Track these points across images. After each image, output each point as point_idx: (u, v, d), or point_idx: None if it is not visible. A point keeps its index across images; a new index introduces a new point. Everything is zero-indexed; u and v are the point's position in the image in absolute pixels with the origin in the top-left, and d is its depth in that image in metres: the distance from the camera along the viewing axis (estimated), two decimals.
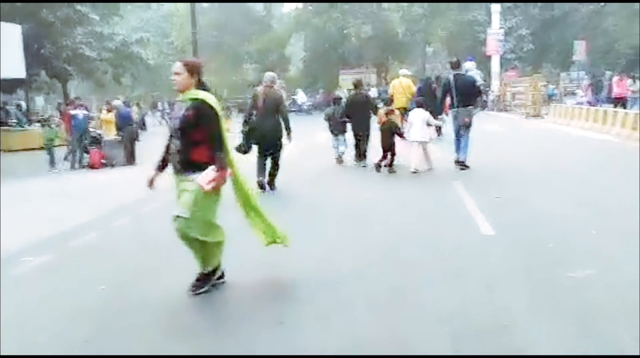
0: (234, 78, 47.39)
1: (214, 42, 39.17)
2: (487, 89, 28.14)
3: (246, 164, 5.35)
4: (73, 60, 21.23)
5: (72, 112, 12.64)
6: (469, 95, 9.04)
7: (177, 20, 37.62)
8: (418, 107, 9.29)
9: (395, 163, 9.18)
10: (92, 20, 21.64)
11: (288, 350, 3.04)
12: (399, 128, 9.16)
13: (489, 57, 29.20)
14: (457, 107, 8.98)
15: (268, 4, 38.14)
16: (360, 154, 10.06)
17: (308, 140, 13.93)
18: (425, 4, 32.01)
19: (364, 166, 9.84)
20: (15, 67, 18.44)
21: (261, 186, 7.72)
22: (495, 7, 28.57)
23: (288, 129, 7.78)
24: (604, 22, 34.12)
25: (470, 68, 10.88)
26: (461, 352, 2.95)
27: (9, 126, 19.45)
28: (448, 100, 9.30)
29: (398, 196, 7.47)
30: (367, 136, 9.97)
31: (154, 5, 41.10)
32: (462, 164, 8.96)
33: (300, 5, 38.21)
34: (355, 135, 10.09)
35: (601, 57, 34.28)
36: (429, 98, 10.86)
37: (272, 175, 7.93)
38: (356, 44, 35.80)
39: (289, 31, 37.84)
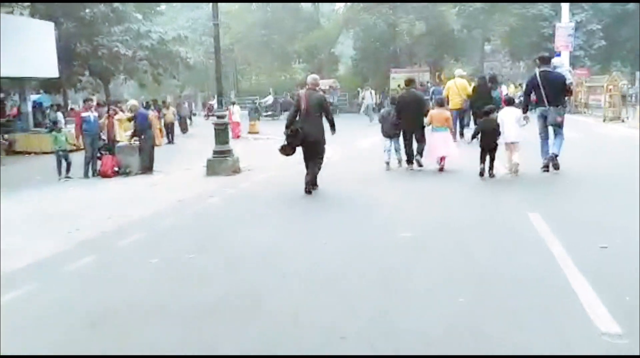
0: (282, 78, 46.43)
1: (263, 42, 38.13)
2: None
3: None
4: (108, 58, 20.40)
5: (83, 114, 11.43)
6: (558, 93, 8.50)
7: (225, 20, 36.65)
8: (508, 105, 8.93)
9: (446, 167, 9.05)
10: (131, 17, 20.75)
11: None
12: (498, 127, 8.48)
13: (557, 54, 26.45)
14: (547, 106, 8.48)
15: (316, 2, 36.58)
16: (410, 158, 9.66)
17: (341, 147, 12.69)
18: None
19: (416, 169, 9.47)
20: (48, 67, 17.70)
21: (309, 190, 7.72)
22: None
23: (332, 126, 7.99)
24: None
25: (559, 64, 9.72)
26: None
27: (45, 127, 18.72)
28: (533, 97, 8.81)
29: (456, 227, 5.71)
30: (419, 137, 9.59)
31: (203, 4, 40.44)
32: (553, 163, 8.48)
33: (349, 3, 36.49)
34: (405, 136, 9.69)
35: None
36: (484, 98, 10.69)
37: (313, 176, 7.89)
38: (408, 42, 33.78)
39: (338, 29, 36.24)
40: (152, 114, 18.60)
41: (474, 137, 8.68)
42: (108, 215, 7.20)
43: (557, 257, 4.51)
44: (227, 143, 10.58)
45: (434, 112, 9.35)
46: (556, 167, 8.53)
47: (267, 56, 40.22)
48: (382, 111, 10.81)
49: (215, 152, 10.56)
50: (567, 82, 8.66)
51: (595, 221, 5.70)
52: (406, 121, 9.51)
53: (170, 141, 19.30)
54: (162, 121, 19.33)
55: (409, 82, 10.02)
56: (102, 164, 11.23)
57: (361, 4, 34.12)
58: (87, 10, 20.37)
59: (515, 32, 32.67)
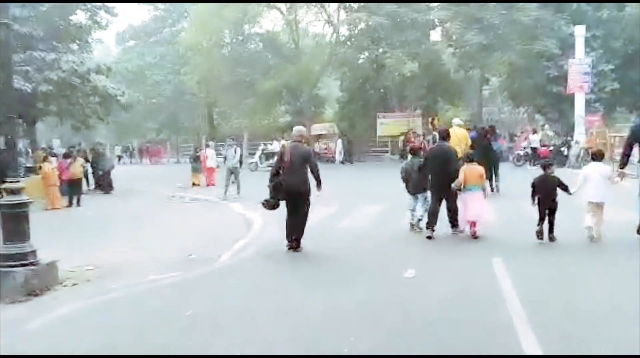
0: (264, 122, 42.76)
1: (241, 81, 34.48)
2: (569, 139, 21.84)
3: None
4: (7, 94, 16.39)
5: None
6: None
7: (194, 58, 33.20)
8: (594, 159, 8.11)
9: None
10: (42, 44, 16.72)
11: None
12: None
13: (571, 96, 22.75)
14: None
15: (295, 36, 33.13)
16: (452, 221, 8.55)
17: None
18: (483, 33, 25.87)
19: (459, 233, 8.48)
20: None
21: (292, 246, 7.69)
22: (579, 31, 22.22)
23: (318, 180, 7.70)
24: None
25: None
26: None
27: None
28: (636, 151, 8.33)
29: None
30: (451, 197, 8.46)
31: (171, 39, 37.19)
32: None
33: (330, 36, 33.06)
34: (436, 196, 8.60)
35: None
36: (483, 150, 10.52)
37: (299, 231, 7.72)
38: (398, 82, 30.20)
39: (321, 66, 32.66)
40: (48, 166, 14.68)
41: (532, 196, 7.87)
42: None
43: None
44: (23, 237, 6.17)
45: (466, 168, 8.30)
46: None
47: (248, 97, 36.62)
48: (403, 164, 9.67)
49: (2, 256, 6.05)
50: None
51: None
52: (436, 180, 8.54)
53: (76, 203, 15.09)
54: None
55: (443, 134, 9.04)
56: None
57: (345, 35, 30.73)
58: None
59: (516, 72, 29.15)
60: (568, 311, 4.88)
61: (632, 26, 30.45)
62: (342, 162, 29.32)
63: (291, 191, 7.61)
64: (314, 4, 31.47)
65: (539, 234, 7.70)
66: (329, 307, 5.19)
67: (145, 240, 9.41)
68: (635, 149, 8.30)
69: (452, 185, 8.15)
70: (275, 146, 28.15)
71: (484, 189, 8.39)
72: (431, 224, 8.32)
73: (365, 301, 5.37)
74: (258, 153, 27.24)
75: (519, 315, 4.73)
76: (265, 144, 29.26)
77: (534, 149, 21.92)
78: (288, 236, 7.76)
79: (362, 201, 12.77)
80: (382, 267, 6.80)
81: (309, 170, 7.70)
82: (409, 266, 6.48)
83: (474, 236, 8.15)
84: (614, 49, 29.97)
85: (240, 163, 15.75)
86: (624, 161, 8.08)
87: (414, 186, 8.85)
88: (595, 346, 4.11)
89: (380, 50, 30.03)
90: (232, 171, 15.20)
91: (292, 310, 5.16)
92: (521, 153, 22.58)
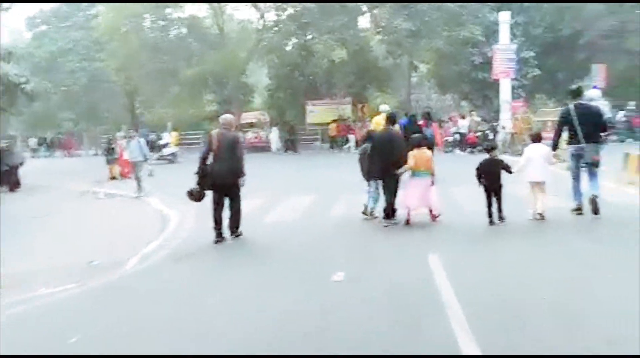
0: (190, 111, 41.11)
1: (164, 68, 32.70)
2: (496, 125, 22.05)
3: None
4: None
5: None
6: (596, 128, 8.01)
7: (111, 44, 31.13)
8: (534, 141, 8.31)
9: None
10: None
11: None
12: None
13: (496, 82, 22.95)
14: (582, 142, 7.90)
15: (220, 21, 31.78)
16: (388, 210, 8.18)
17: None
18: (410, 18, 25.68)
19: (392, 224, 8.06)
20: None
21: (220, 236, 7.42)
22: (504, 17, 22.33)
23: (241, 172, 7.52)
24: (623, 44, 28.61)
25: (595, 97, 9.32)
26: None
27: None
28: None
29: None
30: (393, 185, 8.20)
31: (85, 23, 34.75)
32: (594, 207, 7.75)
33: (257, 21, 31.93)
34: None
35: (620, 85, 28.63)
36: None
37: (235, 221, 7.60)
38: (326, 69, 29.67)
39: (248, 53, 31.54)
40: None
41: (479, 178, 7.87)
42: None
43: None
44: None
45: (416, 153, 8.08)
46: (596, 211, 7.80)
47: (171, 85, 34.87)
48: (360, 149, 9.47)
49: None
50: (605, 117, 8.23)
51: None
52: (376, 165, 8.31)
53: None
54: None
55: (389, 120, 8.79)
56: None
57: (272, 21, 29.75)
58: None
59: (443, 59, 29.34)
60: (509, 307, 4.43)
61: (551, 14, 31.52)
62: (284, 151, 28.30)
63: (220, 180, 7.42)
64: None
65: (490, 216, 7.74)
66: (248, 318, 4.48)
67: (43, 244, 8.31)
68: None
69: (400, 170, 7.96)
70: (165, 139, 26.98)
71: (432, 174, 8.16)
72: (386, 214, 8.13)
73: (290, 309, 4.70)
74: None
75: (456, 313, 4.22)
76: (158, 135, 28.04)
77: (462, 135, 22.02)
78: (216, 228, 7.45)
79: (292, 192, 12.10)
80: (309, 267, 6.15)
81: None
82: (338, 266, 5.87)
83: (407, 222, 8.01)
84: (534, 36, 30.83)
85: (145, 155, 14.10)
86: (555, 144, 8.33)
87: (367, 172, 8.60)
88: (534, 345, 3.65)
89: (309, 36, 29.36)
90: (136, 165, 13.93)
91: (206, 326, 4.40)
92: (450, 139, 22.65)
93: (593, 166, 7.95)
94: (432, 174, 8.15)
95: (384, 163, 8.19)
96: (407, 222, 7.99)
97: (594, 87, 14.00)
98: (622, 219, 7.74)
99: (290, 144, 28.62)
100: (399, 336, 4.05)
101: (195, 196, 7.58)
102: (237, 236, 7.59)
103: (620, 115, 23.88)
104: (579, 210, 8.01)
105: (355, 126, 26.70)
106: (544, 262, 5.86)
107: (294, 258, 6.64)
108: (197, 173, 7.54)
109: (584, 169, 8.07)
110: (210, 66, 30.16)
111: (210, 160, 7.51)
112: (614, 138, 17.83)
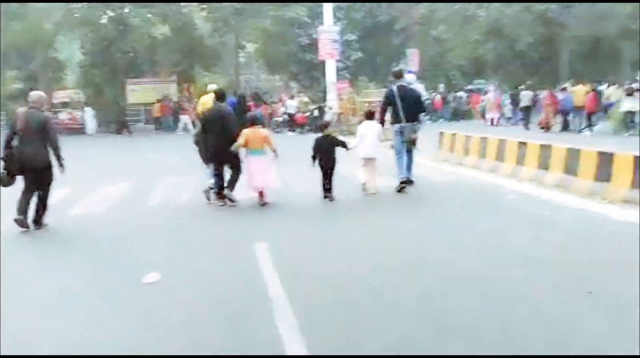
0: None
1: None
2: (323, 105, 22.44)
3: None
4: None
5: None
6: (415, 109, 8.53)
7: None
8: (368, 118, 8.67)
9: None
10: None
11: None
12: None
13: (322, 64, 23.27)
14: (404, 122, 8.39)
15: None
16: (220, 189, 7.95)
17: None
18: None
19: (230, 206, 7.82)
20: None
21: (22, 225, 6.73)
22: None
23: (58, 157, 6.88)
24: (433, 30, 31.16)
25: (412, 81, 9.62)
26: None
27: None
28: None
29: None
30: (233, 163, 7.99)
31: None
32: (409, 183, 8.52)
33: None
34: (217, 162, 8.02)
35: (432, 69, 31.25)
36: (241, 116, 9.80)
37: (42, 209, 6.99)
38: (148, 45, 27.66)
39: (54, 27, 28.12)
40: None
41: (314, 157, 7.96)
42: None
43: None
44: None
45: (249, 131, 7.79)
46: (401, 190, 8.39)
47: None
48: (196, 130, 9.27)
49: None
50: (423, 98, 8.99)
51: None
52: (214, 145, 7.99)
53: None
54: None
55: (218, 95, 8.48)
56: None
57: None
58: None
59: (271, 38, 29.16)
60: (339, 299, 4.17)
61: None
62: (117, 133, 25.59)
63: (28, 164, 6.82)
64: None
65: (328, 192, 7.95)
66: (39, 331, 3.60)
67: None
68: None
69: (232, 148, 7.72)
70: None
71: (274, 151, 7.85)
72: (218, 193, 8.00)
73: (94, 317, 3.90)
74: None
75: (283, 311, 3.84)
76: None
77: (290, 115, 22.12)
78: (20, 214, 6.76)
79: (107, 179, 10.85)
80: (117, 266, 5.33)
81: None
82: (153, 264, 5.16)
83: (262, 204, 7.84)
84: (355, 20, 32.19)
85: None
86: (381, 122, 8.74)
87: (205, 156, 8.24)
88: (364, 341, 3.41)
89: (126, 10, 27.08)
90: None
91: None
92: (279, 119, 22.64)
93: (411, 144, 8.46)
94: (274, 151, 7.88)
95: (219, 142, 7.85)
96: (263, 204, 7.82)
97: (409, 71, 14.70)
98: (440, 196, 8.35)
99: (121, 126, 26.31)
100: (220, 340, 3.54)
101: (3, 182, 6.94)
102: (40, 227, 6.98)
103: (438, 97, 26.03)
104: (403, 185, 8.41)
105: (189, 106, 25.29)
106: (375, 243, 5.80)
107: (100, 258, 5.73)
108: (3, 158, 6.91)
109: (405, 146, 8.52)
110: (10, 38, 26.32)
111: (15, 143, 6.83)
112: (427, 117, 19.27)
